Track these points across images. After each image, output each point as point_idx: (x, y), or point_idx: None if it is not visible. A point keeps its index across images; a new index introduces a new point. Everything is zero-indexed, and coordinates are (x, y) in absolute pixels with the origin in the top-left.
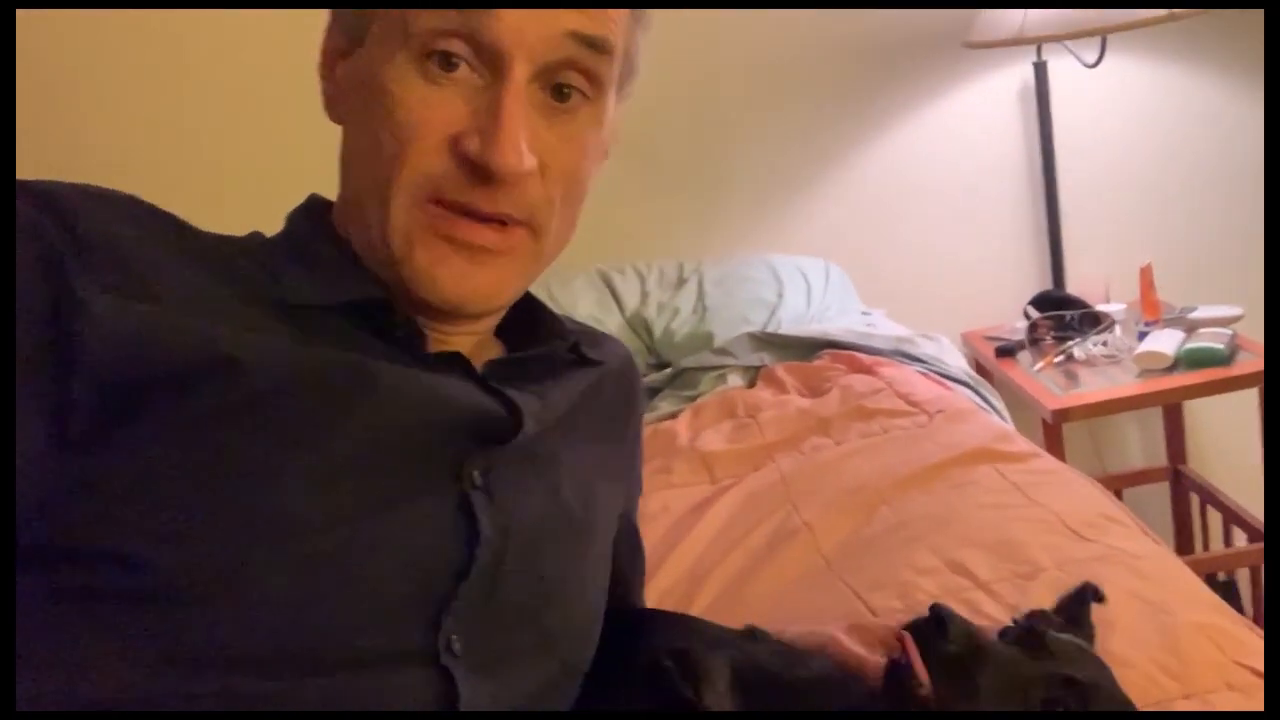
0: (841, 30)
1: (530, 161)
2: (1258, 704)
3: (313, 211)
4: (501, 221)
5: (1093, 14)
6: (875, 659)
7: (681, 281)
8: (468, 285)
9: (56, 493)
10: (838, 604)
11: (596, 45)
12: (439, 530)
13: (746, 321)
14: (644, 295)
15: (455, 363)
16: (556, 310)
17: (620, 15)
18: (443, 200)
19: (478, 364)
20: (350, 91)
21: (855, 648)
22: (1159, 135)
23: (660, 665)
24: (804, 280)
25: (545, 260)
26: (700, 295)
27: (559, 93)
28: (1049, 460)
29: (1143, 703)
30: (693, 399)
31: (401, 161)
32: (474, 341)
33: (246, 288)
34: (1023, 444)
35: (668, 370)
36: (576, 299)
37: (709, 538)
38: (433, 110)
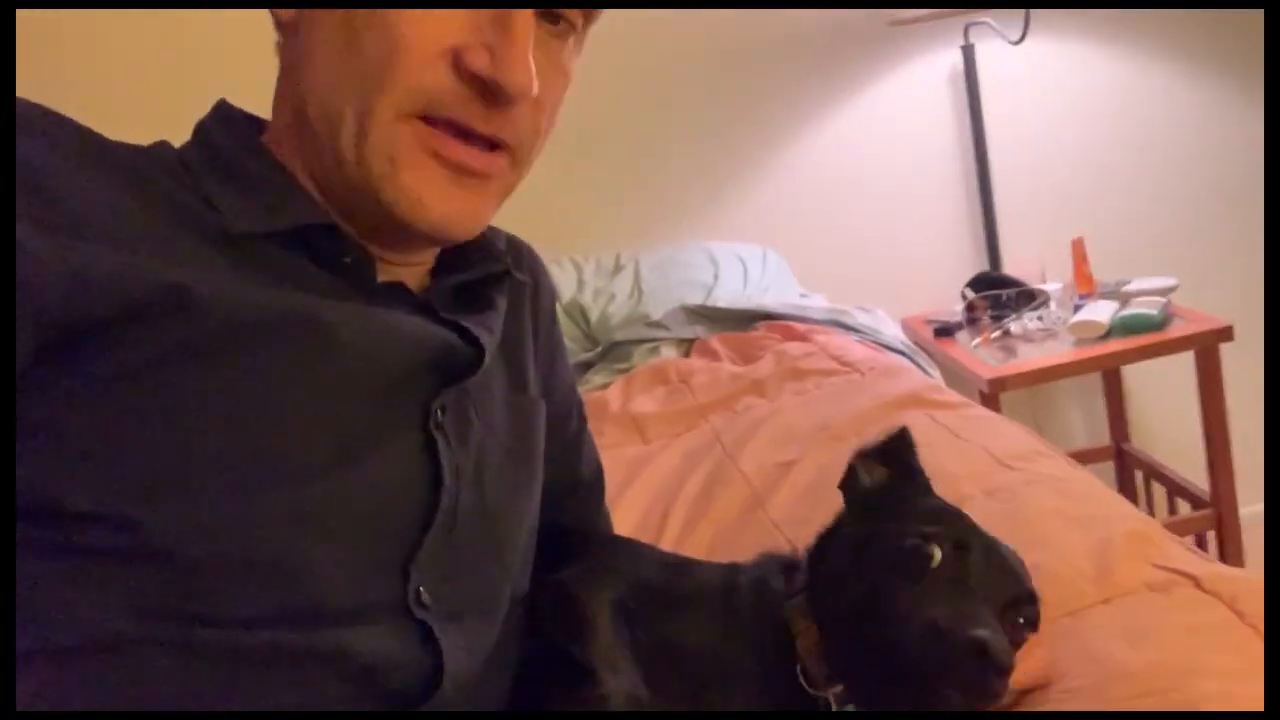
0: (771, 19)
1: (537, 84)
2: (1174, 602)
3: (232, 123)
4: (490, 145)
5: None
6: None
7: (618, 269)
8: (454, 208)
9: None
10: (763, 541)
11: None
12: (407, 476)
13: (682, 303)
14: (580, 283)
15: (400, 294)
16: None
17: None
18: (432, 117)
19: (417, 291)
20: None
21: None
22: (1087, 113)
23: (540, 614)
24: (741, 265)
25: (509, 194)
26: (636, 280)
27: (551, 17)
28: (980, 409)
29: (1066, 609)
30: (625, 372)
31: (391, 72)
32: (420, 272)
33: (175, 212)
34: (954, 395)
35: (599, 348)
36: None
37: (650, 494)
38: (430, 17)
